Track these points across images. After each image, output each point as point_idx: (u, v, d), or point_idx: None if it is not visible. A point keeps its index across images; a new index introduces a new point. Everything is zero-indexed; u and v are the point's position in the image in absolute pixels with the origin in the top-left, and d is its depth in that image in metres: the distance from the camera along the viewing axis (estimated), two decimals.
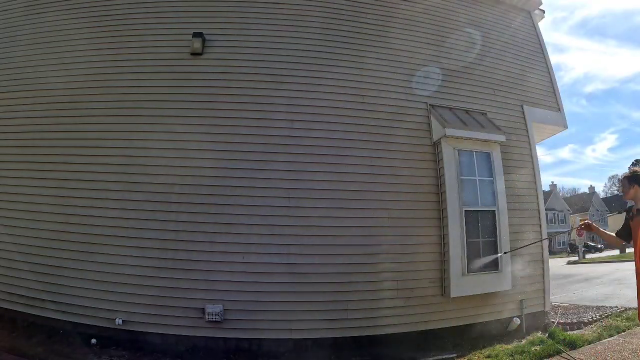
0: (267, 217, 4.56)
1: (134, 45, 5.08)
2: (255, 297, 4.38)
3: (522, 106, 6.02)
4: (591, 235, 44.67)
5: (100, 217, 4.54)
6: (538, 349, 4.13)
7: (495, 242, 5.01)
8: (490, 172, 5.20)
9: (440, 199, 5.00)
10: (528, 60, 6.45)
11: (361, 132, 4.95)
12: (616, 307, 6.10)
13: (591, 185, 56.47)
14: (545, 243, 5.70)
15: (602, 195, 61.51)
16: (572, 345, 4.15)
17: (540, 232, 5.66)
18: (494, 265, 4.98)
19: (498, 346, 4.46)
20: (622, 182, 3.03)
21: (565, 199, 55.26)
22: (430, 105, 5.29)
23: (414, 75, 5.38)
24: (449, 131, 4.99)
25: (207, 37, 4.99)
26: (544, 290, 5.46)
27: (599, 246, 36.12)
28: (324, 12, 5.34)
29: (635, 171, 2.90)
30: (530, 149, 5.88)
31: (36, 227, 4.61)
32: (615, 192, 64.89)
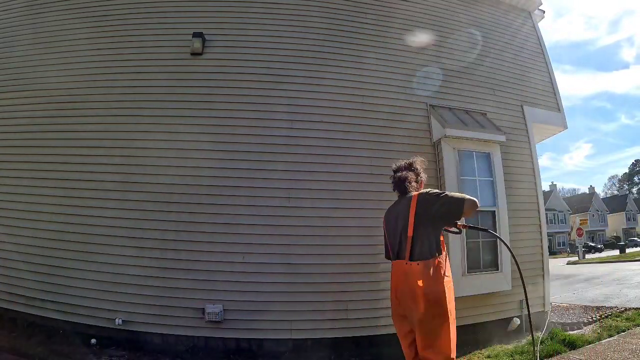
0: (267, 217, 4.57)
1: (134, 46, 5.08)
2: (255, 297, 4.37)
3: (522, 106, 6.02)
4: (591, 235, 44.73)
5: (100, 217, 4.54)
6: (538, 349, 4.12)
7: (495, 242, 5.02)
8: (491, 173, 5.21)
9: None
10: (528, 60, 6.45)
11: (361, 132, 4.95)
12: (616, 307, 6.09)
13: (591, 186, 56.47)
14: (545, 243, 5.70)
15: (602, 195, 61.56)
16: (572, 345, 4.14)
17: (540, 232, 5.66)
18: (494, 266, 4.99)
19: (498, 346, 4.46)
20: None
21: (565, 199, 55.28)
22: (430, 105, 5.29)
23: (413, 75, 5.38)
24: (449, 131, 4.99)
25: (207, 37, 4.99)
26: (544, 290, 5.46)
27: (599, 246, 36.16)
28: (323, 12, 5.35)
29: None
30: (530, 149, 5.88)
31: (36, 227, 4.60)
32: (615, 192, 65.01)
